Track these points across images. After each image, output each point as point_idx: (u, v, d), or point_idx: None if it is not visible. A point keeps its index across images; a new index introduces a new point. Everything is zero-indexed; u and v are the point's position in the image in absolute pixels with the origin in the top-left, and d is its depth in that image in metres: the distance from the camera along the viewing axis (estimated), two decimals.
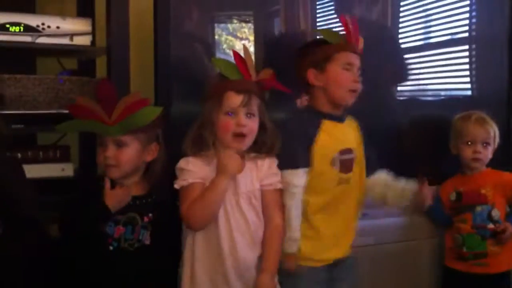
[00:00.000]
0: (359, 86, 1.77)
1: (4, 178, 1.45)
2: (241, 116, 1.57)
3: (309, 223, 1.74)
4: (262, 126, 1.63)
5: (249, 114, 1.59)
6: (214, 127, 1.59)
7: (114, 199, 1.53)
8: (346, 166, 1.77)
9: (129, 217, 1.58)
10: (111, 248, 1.54)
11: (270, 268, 1.60)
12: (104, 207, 1.51)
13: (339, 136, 1.78)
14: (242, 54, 1.62)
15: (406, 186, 1.82)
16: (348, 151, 1.78)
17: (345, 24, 1.78)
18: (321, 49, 1.78)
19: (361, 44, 1.82)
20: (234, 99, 1.57)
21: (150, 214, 1.59)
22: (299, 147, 1.71)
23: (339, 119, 1.80)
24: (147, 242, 1.58)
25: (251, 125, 1.59)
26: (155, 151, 1.62)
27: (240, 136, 1.58)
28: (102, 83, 1.55)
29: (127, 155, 1.56)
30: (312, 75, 1.78)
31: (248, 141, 1.61)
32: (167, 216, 1.60)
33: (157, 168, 1.63)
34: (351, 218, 1.83)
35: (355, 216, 1.85)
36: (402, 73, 2.45)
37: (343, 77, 1.76)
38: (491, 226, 2.13)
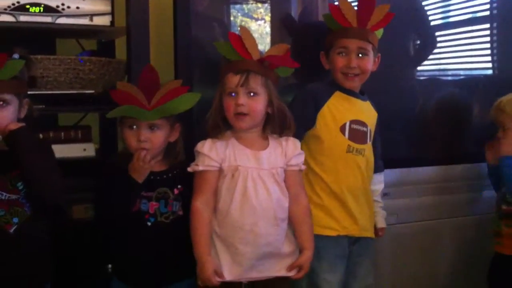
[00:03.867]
0: (351, 71, 1.80)
1: (35, 160, 1.46)
2: (240, 96, 1.58)
3: (314, 190, 1.78)
4: (271, 104, 1.63)
5: (251, 93, 1.59)
6: (223, 109, 1.61)
7: (135, 171, 1.54)
8: (357, 136, 1.81)
9: (161, 192, 1.61)
10: (148, 224, 1.60)
11: (311, 246, 1.68)
12: (130, 179, 1.53)
13: (351, 108, 1.83)
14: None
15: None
16: (361, 123, 1.83)
17: (336, 9, 1.79)
18: (327, 38, 1.86)
19: (375, 20, 1.79)
20: (233, 80, 1.58)
21: (179, 186, 1.63)
22: (306, 108, 1.79)
23: (354, 95, 1.85)
24: (181, 213, 1.63)
25: (252, 104, 1.59)
26: (178, 132, 1.64)
27: (240, 114, 1.58)
28: (147, 68, 1.55)
29: (160, 138, 1.59)
30: (323, 60, 1.89)
31: (250, 120, 1.60)
32: (192, 187, 1.62)
33: (179, 147, 1.66)
34: (365, 191, 1.84)
35: (369, 190, 1.87)
36: (423, 53, 2.42)
37: (336, 61, 1.82)
38: (504, 207, 2.12)
